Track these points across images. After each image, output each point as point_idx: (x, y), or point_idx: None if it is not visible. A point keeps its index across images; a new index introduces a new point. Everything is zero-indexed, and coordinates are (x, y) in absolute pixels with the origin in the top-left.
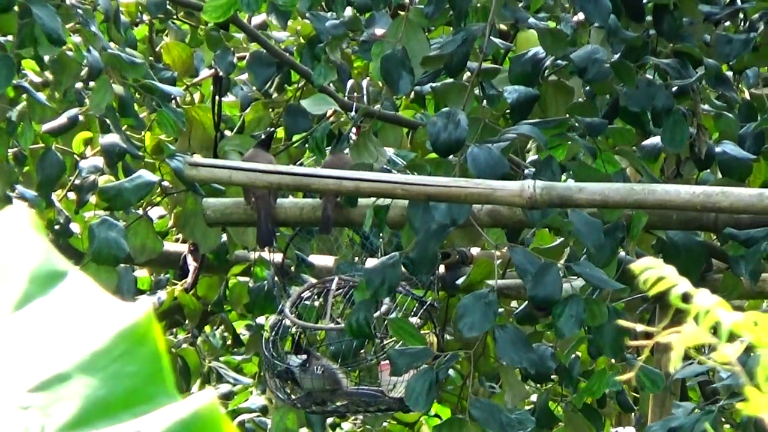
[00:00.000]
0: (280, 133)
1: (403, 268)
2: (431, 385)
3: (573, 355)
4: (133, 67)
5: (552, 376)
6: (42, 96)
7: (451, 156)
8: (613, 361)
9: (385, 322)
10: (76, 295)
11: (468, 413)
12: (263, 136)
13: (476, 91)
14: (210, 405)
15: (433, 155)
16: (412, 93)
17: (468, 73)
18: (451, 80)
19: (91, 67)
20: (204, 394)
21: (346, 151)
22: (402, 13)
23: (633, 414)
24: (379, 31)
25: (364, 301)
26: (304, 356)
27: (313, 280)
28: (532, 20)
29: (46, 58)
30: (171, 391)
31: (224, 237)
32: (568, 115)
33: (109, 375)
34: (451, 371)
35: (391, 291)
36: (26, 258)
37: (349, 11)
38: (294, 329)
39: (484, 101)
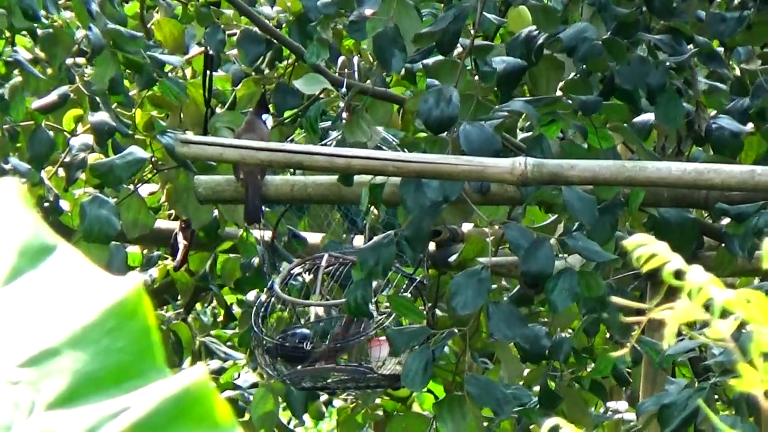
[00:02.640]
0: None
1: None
2: (427, 364)
3: (564, 334)
4: (133, 40)
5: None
6: (34, 69)
7: (443, 133)
8: (608, 338)
9: (375, 299)
10: (65, 269)
11: (464, 390)
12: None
13: (469, 68)
14: (201, 380)
15: (422, 134)
16: (403, 70)
17: (461, 49)
18: (442, 57)
19: (93, 45)
20: (194, 369)
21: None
22: None
23: (624, 390)
24: (368, 11)
25: (361, 280)
26: (306, 331)
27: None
28: None
29: (39, 32)
30: (161, 366)
31: (216, 213)
32: (561, 93)
33: (99, 350)
34: (445, 348)
35: (386, 271)
36: (15, 231)
37: None
38: (285, 304)
39: (477, 77)
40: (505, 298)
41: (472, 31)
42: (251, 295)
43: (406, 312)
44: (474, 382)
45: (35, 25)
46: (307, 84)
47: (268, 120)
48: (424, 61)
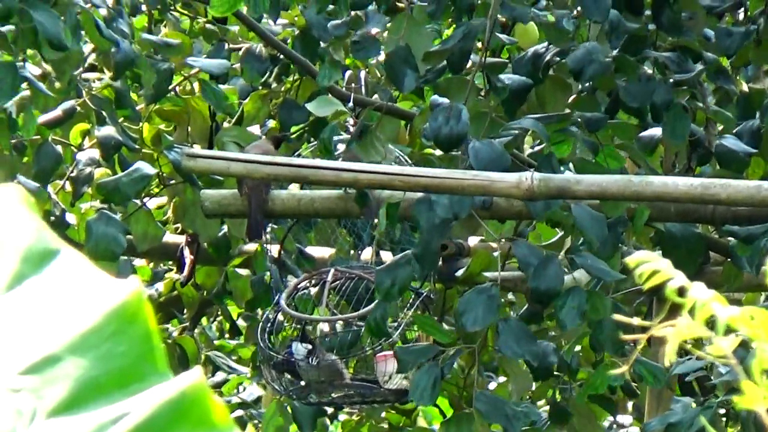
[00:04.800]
0: (277, 123)
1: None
2: (436, 380)
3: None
4: (168, 48)
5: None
6: (42, 85)
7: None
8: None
9: None
10: (68, 273)
11: (473, 407)
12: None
13: (479, 85)
14: (198, 383)
15: (429, 150)
16: None
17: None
18: (452, 75)
19: (123, 60)
20: (192, 373)
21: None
22: (400, 4)
23: (630, 404)
24: (373, 30)
25: (380, 301)
26: (309, 346)
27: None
28: (533, 13)
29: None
30: (163, 369)
31: (225, 228)
32: (569, 111)
33: (101, 355)
34: None
35: (402, 292)
36: (18, 236)
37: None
38: (290, 320)
39: (487, 93)
40: (512, 314)
41: (481, 49)
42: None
43: (433, 332)
44: (483, 398)
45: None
46: (320, 107)
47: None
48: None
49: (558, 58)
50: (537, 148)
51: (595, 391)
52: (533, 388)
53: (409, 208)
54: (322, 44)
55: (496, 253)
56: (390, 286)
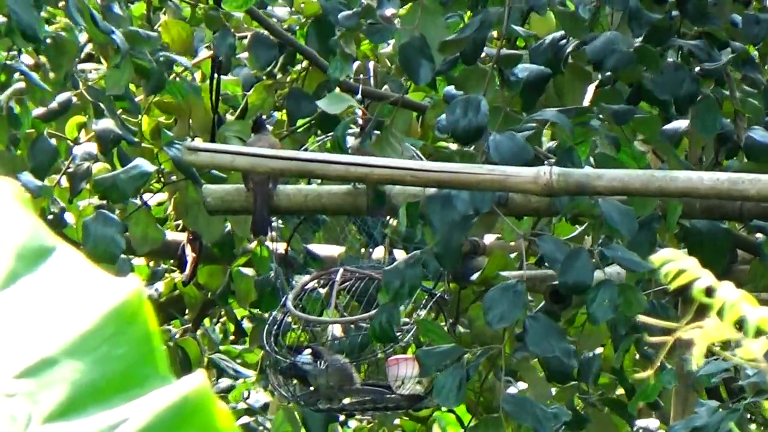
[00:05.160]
0: (283, 115)
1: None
2: (462, 382)
3: (591, 353)
4: (148, 41)
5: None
6: (37, 77)
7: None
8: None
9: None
10: (64, 271)
11: (501, 408)
12: (253, 123)
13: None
14: (201, 387)
15: (442, 143)
16: None
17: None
18: (467, 66)
19: (122, 50)
20: (195, 376)
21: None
22: None
23: (653, 411)
24: (388, 12)
25: (386, 304)
26: (310, 351)
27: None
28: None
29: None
30: (164, 372)
31: (229, 227)
32: (590, 103)
33: (99, 358)
34: None
35: (412, 293)
36: (12, 233)
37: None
38: (298, 322)
39: (501, 86)
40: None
41: (498, 41)
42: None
43: (435, 338)
44: (511, 399)
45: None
46: (331, 104)
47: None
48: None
49: (577, 47)
50: (552, 144)
51: (646, 399)
52: (552, 394)
53: (422, 206)
54: (336, 31)
55: (513, 254)
56: (399, 287)
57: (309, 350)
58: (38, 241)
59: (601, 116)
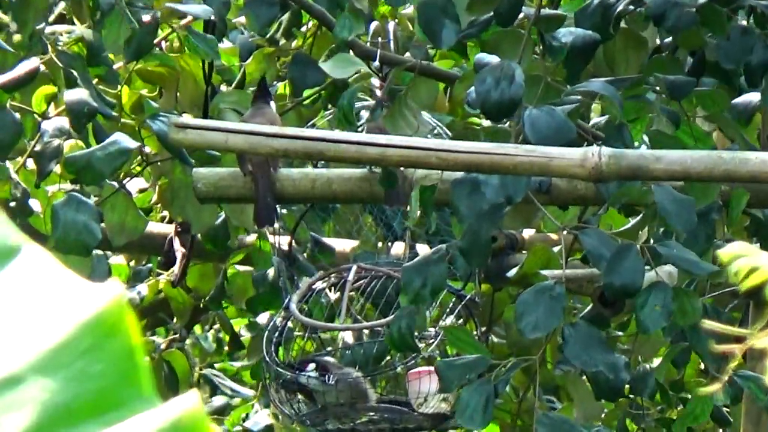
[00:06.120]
0: (285, 88)
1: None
2: (489, 399)
3: (648, 366)
4: None
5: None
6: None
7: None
8: (703, 370)
9: None
10: (32, 275)
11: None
12: (257, 87)
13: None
14: (194, 411)
15: (473, 119)
16: None
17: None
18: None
19: (103, 4)
20: (186, 397)
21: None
22: None
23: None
24: None
25: (407, 306)
26: (315, 364)
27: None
28: None
29: None
30: (147, 393)
31: (223, 216)
32: (644, 74)
33: (72, 376)
34: None
35: (434, 294)
36: None
37: None
38: (303, 328)
39: (543, 53)
40: (575, 318)
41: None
42: (263, 318)
43: (465, 347)
44: (546, 420)
45: None
46: (338, 66)
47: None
48: None
49: (632, 7)
50: (599, 120)
51: (695, 421)
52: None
53: (448, 192)
54: None
55: (556, 249)
56: (420, 287)
57: (315, 362)
58: (1, 239)
59: (657, 88)
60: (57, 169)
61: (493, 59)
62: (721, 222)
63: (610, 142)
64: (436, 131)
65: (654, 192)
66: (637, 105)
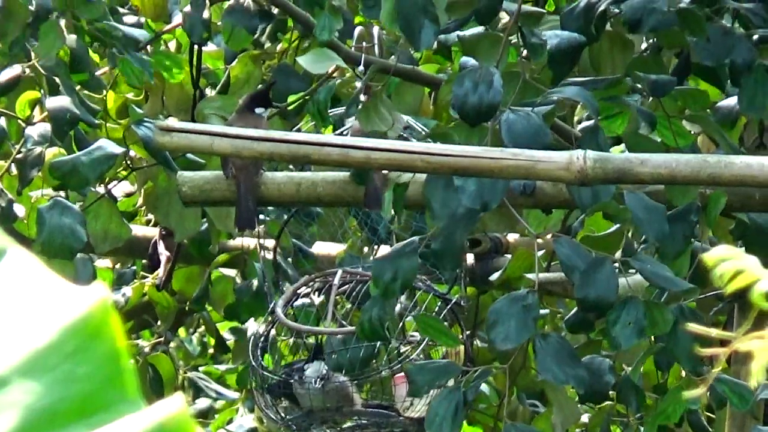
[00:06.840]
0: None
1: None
2: (458, 408)
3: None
4: (87, 6)
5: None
6: None
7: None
8: (684, 374)
9: (401, 325)
10: (16, 278)
11: None
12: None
13: (514, 42)
14: (179, 414)
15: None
16: (435, 43)
17: (506, 19)
18: (481, 28)
19: (39, 7)
20: (171, 400)
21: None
22: None
23: None
24: None
25: (378, 297)
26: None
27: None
28: None
29: None
30: (132, 396)
31: (206, 222)
32: (625, 73)
33: (56, 379)
34: (485, 386)
35: (405, 288)
36: None
37: None
38: (288, 332)
39: (524, 53)
40: (559, 324)
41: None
42: (249, 324)
43: (437, 335)
44: (514, 431)
45: None
46: (315, 61)
47: (264, 115)
48: (460, 33)
49: (616, 9)
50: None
51: (666, 420)
52: (584, 419)
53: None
54: None
55: (540, 252)
56: (391, 280)
57: (307, 363)
58: None
59: (638, 86)
60: (40, 174)
61: (475, 62)
62: (701, 224)
63: (585, 146)
64: (411, 129)
65: (626, 199)
66: (611, 105)
